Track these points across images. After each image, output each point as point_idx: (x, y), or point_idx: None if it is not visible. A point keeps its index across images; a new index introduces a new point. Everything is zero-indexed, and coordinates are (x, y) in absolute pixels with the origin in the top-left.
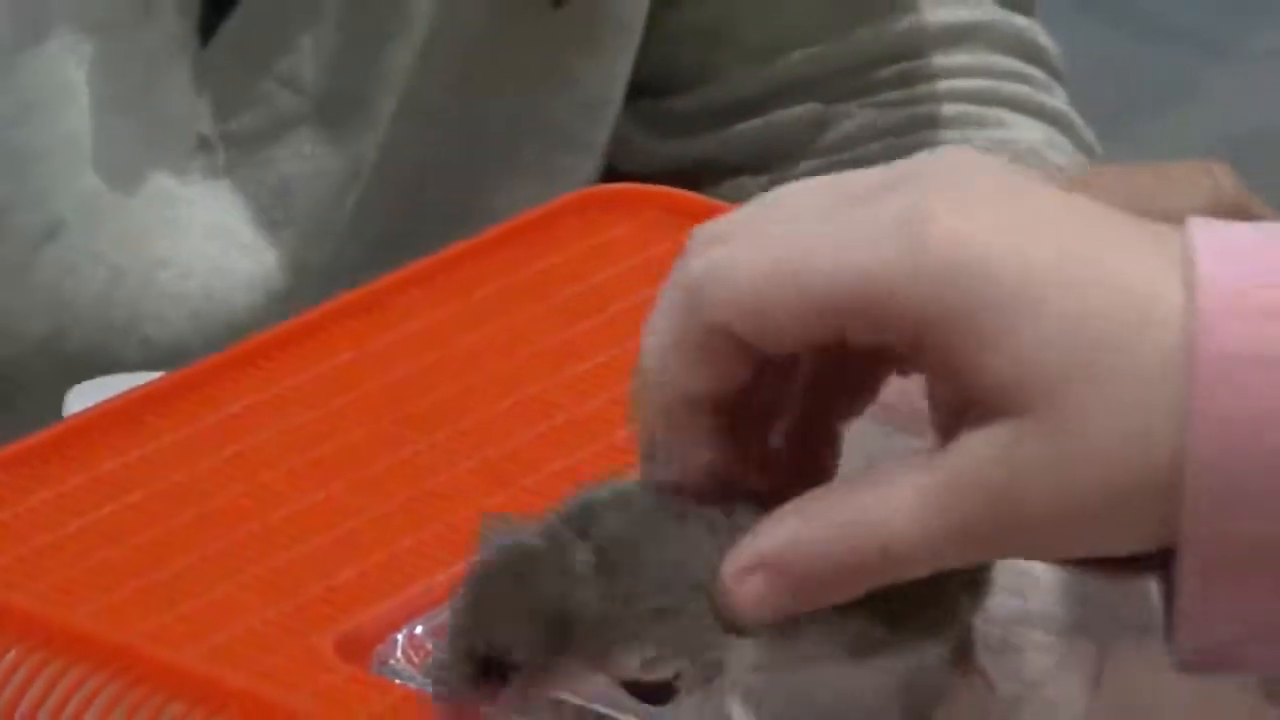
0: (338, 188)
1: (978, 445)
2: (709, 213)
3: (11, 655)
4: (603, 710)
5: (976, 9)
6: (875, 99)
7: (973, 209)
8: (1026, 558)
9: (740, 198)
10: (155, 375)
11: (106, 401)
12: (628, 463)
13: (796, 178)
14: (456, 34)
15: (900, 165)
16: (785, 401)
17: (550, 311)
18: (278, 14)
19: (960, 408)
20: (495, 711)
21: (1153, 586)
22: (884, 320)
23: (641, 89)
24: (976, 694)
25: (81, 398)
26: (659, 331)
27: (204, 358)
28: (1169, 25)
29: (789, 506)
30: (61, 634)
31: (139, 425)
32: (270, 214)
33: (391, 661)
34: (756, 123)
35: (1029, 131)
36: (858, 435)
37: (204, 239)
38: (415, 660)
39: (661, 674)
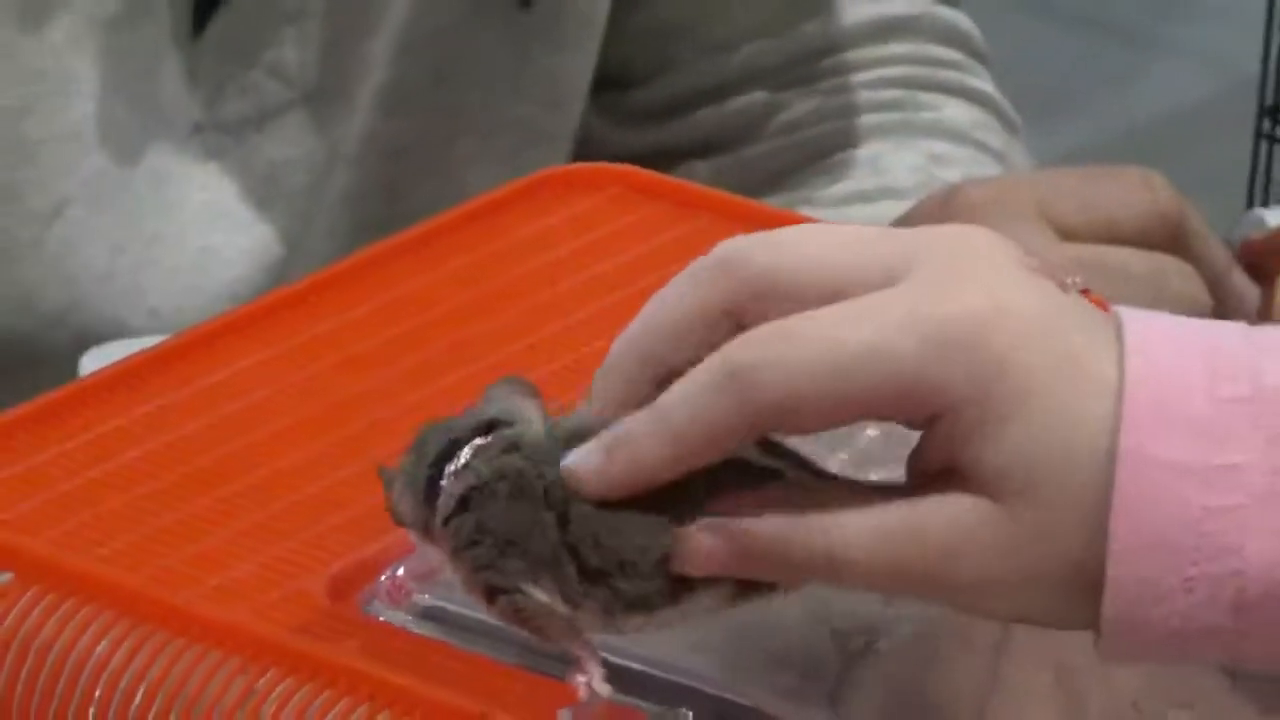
0: (321, 171)
1: (948, 508)
2: (669, 191)
3: (29, 595)
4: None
5: (910, 4)
6: (817, 87)
7: (984, 299)
8: (958, 611)
9: (689, 179)
10: (162, 339)
11: (113, 364)
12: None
13: (743, 161)
14: (430, 31)
15: (907, 244)
16: None
17: (526, 276)
18: (266, 9)
19: (941, 465)
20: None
21: None
22: (909, 409)
23: (604, 82)
24: None
25: (95, 360)
26: (692, 403)
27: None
28: (1093, 18)
29: (777, 493)
30: (74, 576)
31: (143, 386)
32: (260, 194)
33: (376, 601)
34: (710, 111)
35: (959, 112)
36: None
37: (200, 216)
38: (397, 600)
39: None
